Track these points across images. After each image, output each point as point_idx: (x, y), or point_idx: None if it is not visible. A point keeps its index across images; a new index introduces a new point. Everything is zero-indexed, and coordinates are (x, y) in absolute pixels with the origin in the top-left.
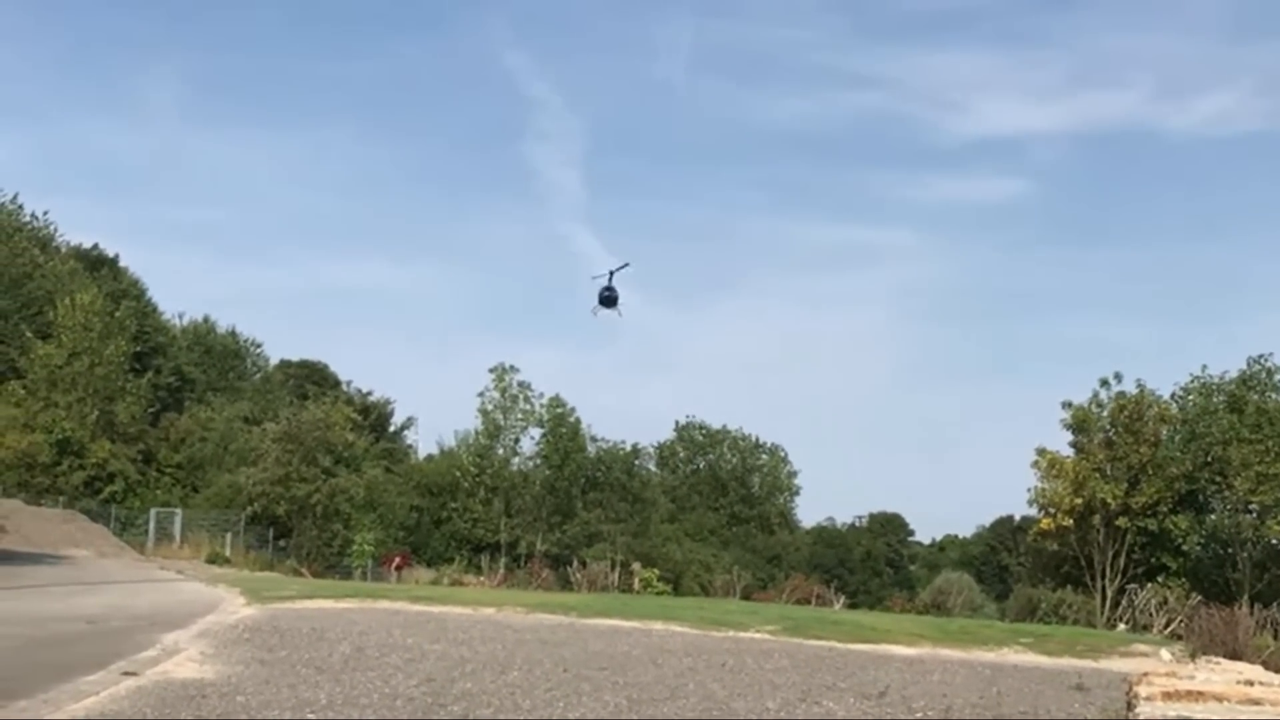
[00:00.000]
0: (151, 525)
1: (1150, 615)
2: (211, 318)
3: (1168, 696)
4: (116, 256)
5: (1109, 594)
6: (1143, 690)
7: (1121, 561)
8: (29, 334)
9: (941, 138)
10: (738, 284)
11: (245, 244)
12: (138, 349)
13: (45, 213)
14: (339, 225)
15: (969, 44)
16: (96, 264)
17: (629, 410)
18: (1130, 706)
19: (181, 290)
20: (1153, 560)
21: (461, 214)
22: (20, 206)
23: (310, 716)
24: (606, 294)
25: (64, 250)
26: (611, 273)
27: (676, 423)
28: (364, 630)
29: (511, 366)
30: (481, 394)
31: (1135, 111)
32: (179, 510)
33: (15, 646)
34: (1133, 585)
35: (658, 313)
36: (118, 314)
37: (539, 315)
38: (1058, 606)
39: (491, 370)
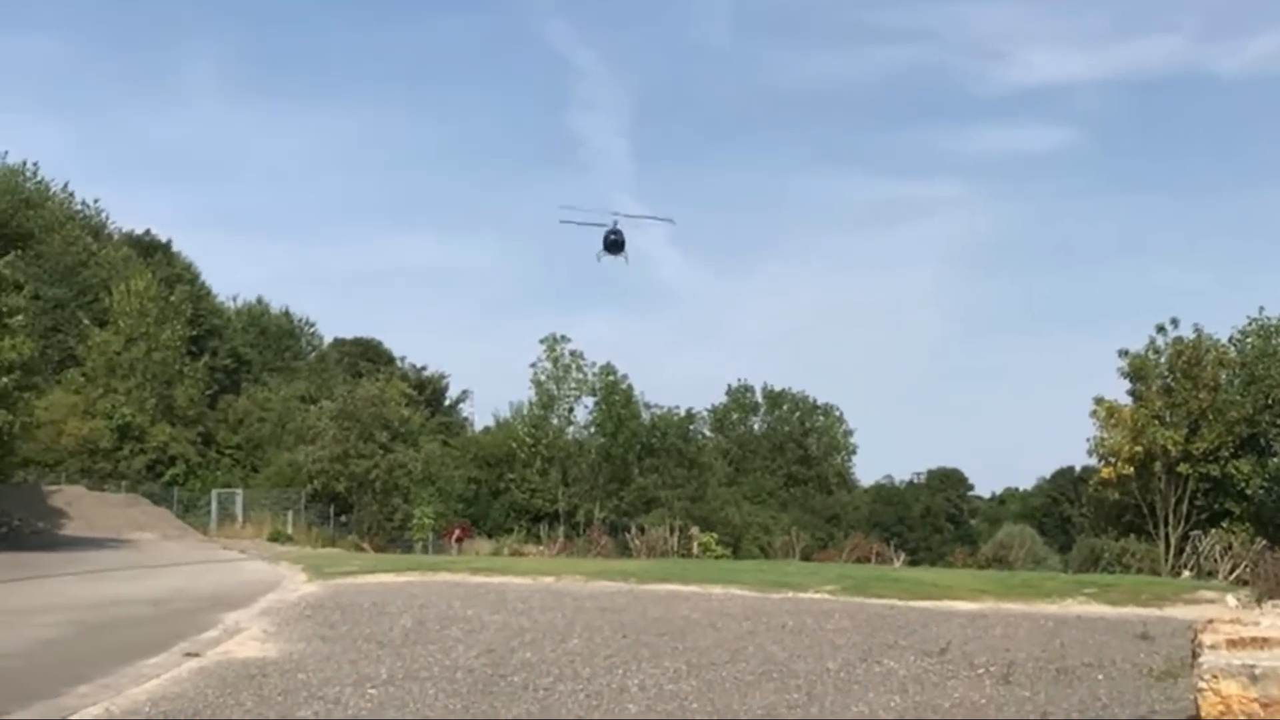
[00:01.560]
0: (214, 506)
1: (1215, 561)
2: (265, 298)
3: (1232, 644)
4: (169, 241)
5: (1172, 541)
6: (1207, 638)
7: (1184, 508)
8: (86, 322)
9: (985, 88)
10: (786, 245)
11: (295, 223)
12: (193, 332)
13: (96, 200)
14: (387, 201)
15: None
16: (149, 249)
17: (681, 375)
18: (1195, 655)
19: (234, 272)
20: (1215, 506)
21: (509, 185)
22: (71, 195)
23: (371, 691)
24: (613, 238)
25: (116, 237)
26: (608, 231)
27: (729, 386)
28: (424, 603)
29: (562, 336)
30: (534, 365)
31: (1183, 54)
32: (240, 490)
33: (79, 631)
34: (1196, 531)
35: (707, 277)
36: (172, 298)
37: (588, 285)
38: (1121, 556)
39: (542, 341)
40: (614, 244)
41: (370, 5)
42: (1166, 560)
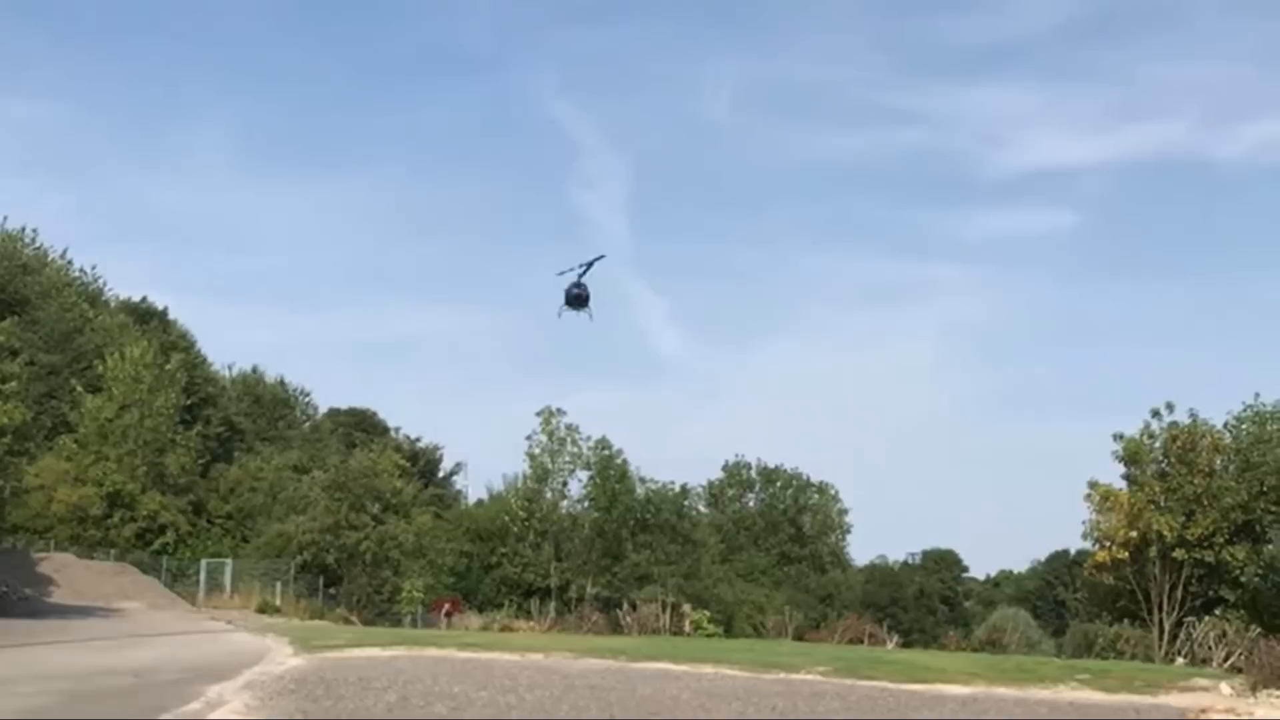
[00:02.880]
0: (203, 576)
1: (1209, 648)
2: (260, 367)
3: None
4: (165, 309)
5: (1167, 627)
6: None
7: (1179, 594)
8: (79, 388)
9: (988, 172)
10: (786, 322)
11: (293, 293)
12: (187, 400)
13: (94, 267)
14: (386, 273)
15: (1011, 78)
16: (146, 316)
17: (678, 450)
18: None
19: (230, 340)
20: (1210, 592)
21: (508, 260)
22: (69, 261)
23: None
24: (575, 292)
25: (113, 304)
26: (584, 266)
27: (726, 462)
28: (410, 679)
29: (558, 409)
30: (529, 437)
31: (1182, 141)
32: (229, 560)
33: (60, 702)
34: (1191, 618)
35: (706, 352)
36: (168, 366)
37: (585, 359)
38: (1115, 641)
39: (538, 414)
40: (576, 299)
41: (377, 80)
42: (1160, 647)
